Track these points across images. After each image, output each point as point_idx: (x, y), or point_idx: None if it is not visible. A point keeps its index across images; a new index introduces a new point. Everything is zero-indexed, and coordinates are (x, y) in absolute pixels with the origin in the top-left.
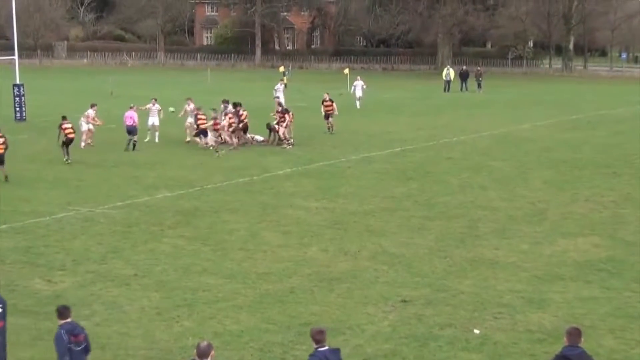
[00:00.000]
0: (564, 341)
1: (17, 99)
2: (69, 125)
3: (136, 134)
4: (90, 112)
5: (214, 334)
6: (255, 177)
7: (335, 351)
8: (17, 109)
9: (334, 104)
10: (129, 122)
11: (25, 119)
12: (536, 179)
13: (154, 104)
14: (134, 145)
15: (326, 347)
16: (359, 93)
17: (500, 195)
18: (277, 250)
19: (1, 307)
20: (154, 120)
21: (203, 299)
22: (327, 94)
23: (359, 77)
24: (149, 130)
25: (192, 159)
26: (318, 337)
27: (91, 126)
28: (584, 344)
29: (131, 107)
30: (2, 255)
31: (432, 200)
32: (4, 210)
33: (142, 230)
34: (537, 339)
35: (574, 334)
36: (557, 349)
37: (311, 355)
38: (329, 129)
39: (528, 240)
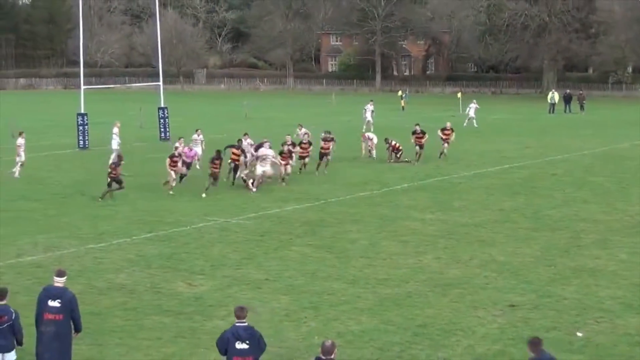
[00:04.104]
0: None
1: (162, 120)
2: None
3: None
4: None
5: (337, 333)
6: (375, 192)
7: (248, 328)
8: (162, 129)
9: (453, 133)
10: (193, 157)
11: (169, 139)
12: (635, 194)
13: (198, 135)
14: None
15: (244, 323)
16: (471, 114)
17: (601, 208)
18: (395, 258)
19: (59, 302)
20: (197, 150)
21: (328, 302)
22: (449, 122)
23: (474, 100)
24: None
25: (316, 176)
26: (238, 313)
27: None
28: None
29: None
30: (149, 260)
31: (538, 213)
32: (150, 220)
33: (273, 239)
34: (636, 342)
35: None
36: None
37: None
38: (441, 154)
39: (627, 251)
